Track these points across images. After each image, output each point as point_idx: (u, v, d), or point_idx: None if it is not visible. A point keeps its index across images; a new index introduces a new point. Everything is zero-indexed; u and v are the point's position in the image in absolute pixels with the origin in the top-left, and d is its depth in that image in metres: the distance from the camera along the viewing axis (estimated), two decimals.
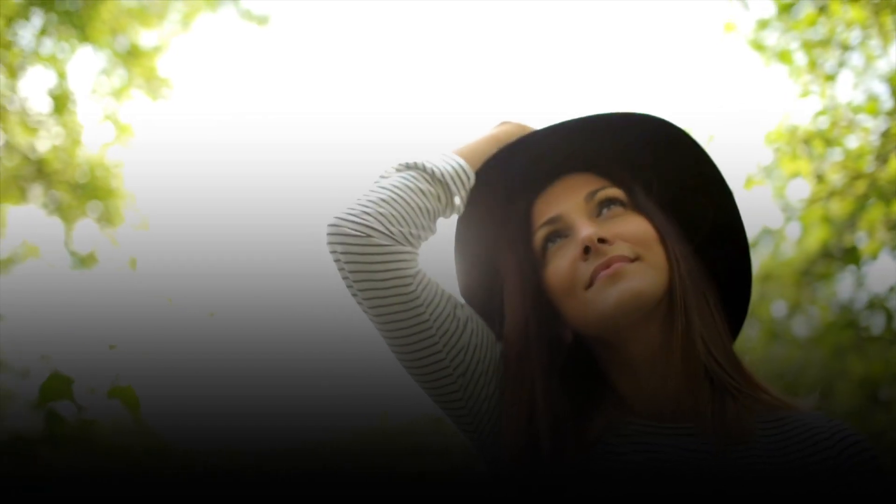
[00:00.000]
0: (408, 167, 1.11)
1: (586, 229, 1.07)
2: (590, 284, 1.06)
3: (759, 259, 5.15)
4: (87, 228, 5.90)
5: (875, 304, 4.51)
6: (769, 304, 5.02)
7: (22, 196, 5.61)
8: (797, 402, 1.12)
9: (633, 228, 1.09)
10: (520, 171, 1.17)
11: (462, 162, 1.13)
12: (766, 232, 4.93)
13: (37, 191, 5.64)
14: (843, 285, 4.80)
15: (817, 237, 4.27)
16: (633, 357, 1.09)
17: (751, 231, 5.13)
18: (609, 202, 1.13)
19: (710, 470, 1.03)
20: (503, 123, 1.20)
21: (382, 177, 1.10)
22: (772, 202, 4.80)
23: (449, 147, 1.17)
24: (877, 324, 4.56)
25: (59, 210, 5.62)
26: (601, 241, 1.06)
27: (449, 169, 1.11)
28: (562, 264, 1.09)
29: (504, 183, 1.18)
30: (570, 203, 1.12)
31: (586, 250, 1.06)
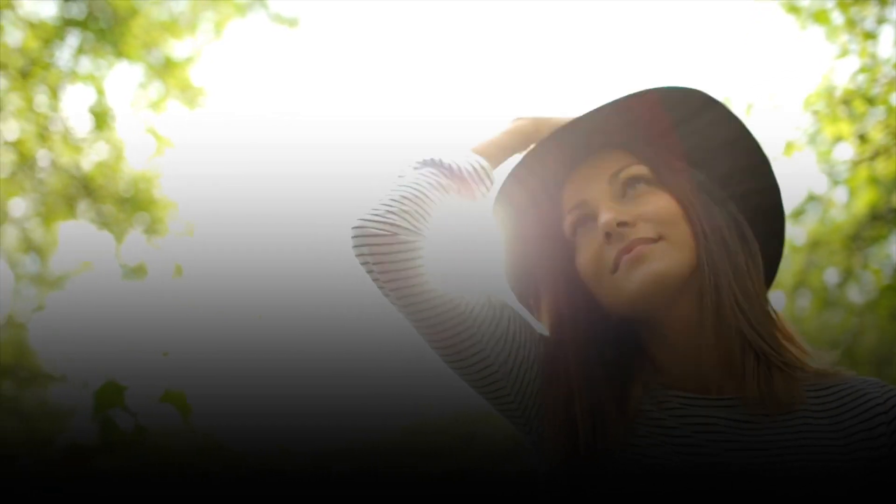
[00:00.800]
0: (425, 164, 1.11)
1: (605, 215, 1.06)
2: (615, 269, 1.06)
3: (807, 226, 5.04)
4: (135, 239, 6.04)
5: None
6: (820, 272, 4.90)
7: (71, 212, 5.75)
8: (847, 370, 1.10)
9: (655, 207, 1.08)
10: (550, 158, 1.16)
11: (480, 159, 1.13)
12: (812, 198, 4.81)
13: (84, 206, 5.78)
14: None
15: (865, 200, 4.15)
16: (671, 333, 1.08)
17: (797, 198, 5.04)
18: (634, 181, 1.11)
19: (760, 440, 1.01)
20: (517, 119, 1.20)
21: (400, 176, 1.11)
22: (816, 167, 4.68)
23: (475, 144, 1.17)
24: None
25: (108, 224, 5.75)
26: (621, 224, 1.05)
27: (467, 166, 1.11)
28: (588, 250, 1.09)
29: (537, 173, 1.17)
30: (595, 186, 1.11)
31: (608, 235, 1.06)
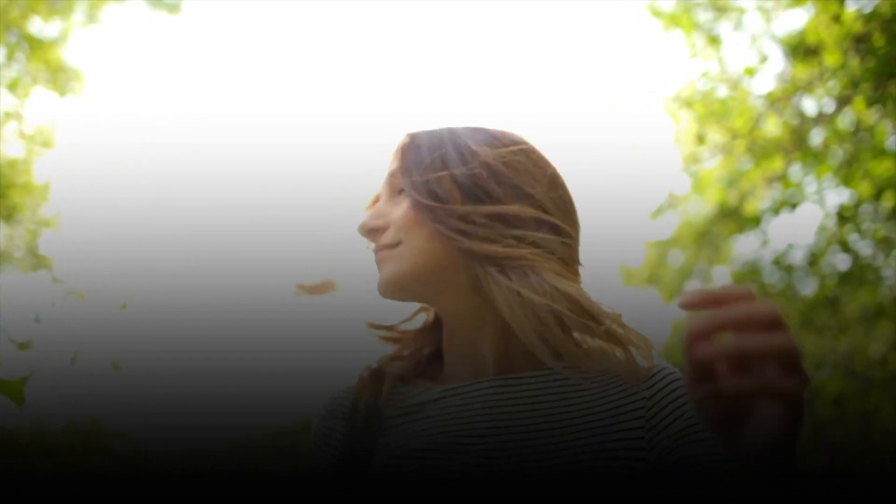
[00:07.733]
0: None
1: (362, 220, 1.10)
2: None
3: (670, 224, 5.26)
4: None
5: (778, 261, 4.63)
6: (671, 268, 5.10)
7: None
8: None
9: (398, 213, 1.09)
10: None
11: None
12: (672, 198, 5.03)
13: None
14: (748, 244, 4.93)
15: (713, 199, 4.35)
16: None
17: (660, 198, 5.25)
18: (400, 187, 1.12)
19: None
20: None
21: None
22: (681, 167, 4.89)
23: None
24: (779, 280, 4.69)
25: None
26: (370, 231, 1.09)
27: None
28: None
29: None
30: (388, 179, 1.12)
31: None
